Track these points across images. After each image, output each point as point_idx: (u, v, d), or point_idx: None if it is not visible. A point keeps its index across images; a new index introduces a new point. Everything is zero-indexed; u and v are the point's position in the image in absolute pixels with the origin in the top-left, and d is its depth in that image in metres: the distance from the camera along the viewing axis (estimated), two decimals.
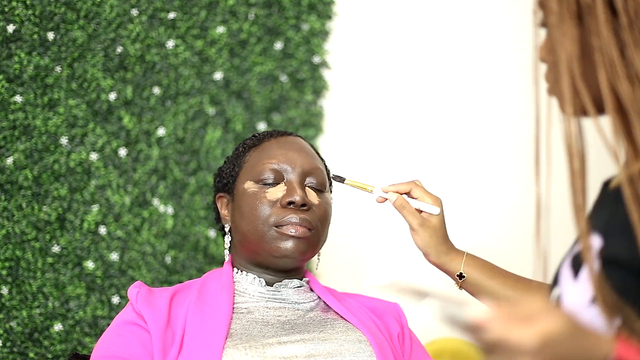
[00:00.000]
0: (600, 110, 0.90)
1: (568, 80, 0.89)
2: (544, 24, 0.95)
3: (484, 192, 2.20)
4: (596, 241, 0.89)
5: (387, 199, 1.41)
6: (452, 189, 2.18)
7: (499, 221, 2.20)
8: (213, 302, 1.37)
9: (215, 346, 1.27)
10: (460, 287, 1.37)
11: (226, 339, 1.29)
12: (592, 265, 0.86)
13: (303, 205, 1.40)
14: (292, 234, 1.39)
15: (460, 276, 1.36)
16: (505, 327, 0.77)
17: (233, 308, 1.37)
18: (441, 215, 1.38)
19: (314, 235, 1.42)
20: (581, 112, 0.91)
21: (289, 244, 1.39)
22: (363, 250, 2.13)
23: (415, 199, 1.39)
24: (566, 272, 0.94)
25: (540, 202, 0.94)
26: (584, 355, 0.78)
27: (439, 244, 1.36)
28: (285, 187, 1.42)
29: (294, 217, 1.39)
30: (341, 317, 1.43)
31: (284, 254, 1.39)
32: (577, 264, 0.92)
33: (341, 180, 1.43)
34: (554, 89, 0.95)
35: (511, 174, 2.21)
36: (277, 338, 1.31)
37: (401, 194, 1.39)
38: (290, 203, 1.40)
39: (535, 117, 0.95)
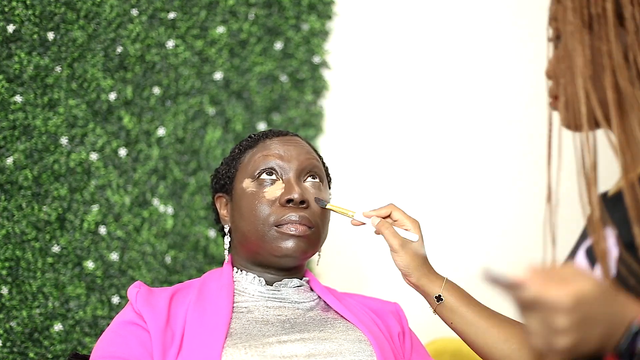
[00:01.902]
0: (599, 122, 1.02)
1: (583, 90, 1.00)
2: (557, 36, 1.08)
3: (483, 191, 2.19)
4: (610, 234, 0.97)
5: (364, 223, 1.41)
6: (450, 189, 2.18)
7: (498, 221, 2.20)
8: (213, 302, 1.37)
9: (214, 345, 1.27)
10: (435, 311, 1.37)
11: (226, 338, 1.29)
12: (604, 266, 0.96)
13: (302, 202, 1.40)
14: (293, 232, 1.38)
15: (439, 298, 1.35)
16: (543, 286, 0.83)
17: (233, 307, 1.37)
18: (420, 238, 1.39)
19: (314, 233, 1.42)
20: (592, 124, 1.02)
21: (289, 244, 1.39)
22: (363, 251, 2.13)
23: (395, 221, 1.39)
24: (582, 262, 1.01)
25: (551, 196, 1.04)
26: (614, 315, 0.84)
27: (419, 265, 1.36)
28: (284, 185, 1.42)
29: (293, 216, 1.39)
30: (341, 316, 1.42)
31: (284, 253, 1.39)
32: (592, 256, 1.00)
33: (323, 204, 1.43)
34: (566, 102, 1.05)
35: (511, 172, 2.21)
36: (277, 337, 1.31)
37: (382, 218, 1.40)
38: (289, 201, 1.40)
39: (548, 117, 1.07)
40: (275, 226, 1.39)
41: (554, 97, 1.08)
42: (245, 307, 1.38)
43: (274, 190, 1.42)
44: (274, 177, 1.43)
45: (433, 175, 2.17)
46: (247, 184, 1.44)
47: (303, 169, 1.45)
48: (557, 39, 1.08)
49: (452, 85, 2.20)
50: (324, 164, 1.54)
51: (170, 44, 1.97)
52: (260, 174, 1.43)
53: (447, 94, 2.20)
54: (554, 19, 1.07)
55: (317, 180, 1.46)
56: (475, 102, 2.20)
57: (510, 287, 0.84)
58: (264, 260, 1.42)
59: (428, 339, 1.84)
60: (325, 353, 1.31)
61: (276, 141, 1.47)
